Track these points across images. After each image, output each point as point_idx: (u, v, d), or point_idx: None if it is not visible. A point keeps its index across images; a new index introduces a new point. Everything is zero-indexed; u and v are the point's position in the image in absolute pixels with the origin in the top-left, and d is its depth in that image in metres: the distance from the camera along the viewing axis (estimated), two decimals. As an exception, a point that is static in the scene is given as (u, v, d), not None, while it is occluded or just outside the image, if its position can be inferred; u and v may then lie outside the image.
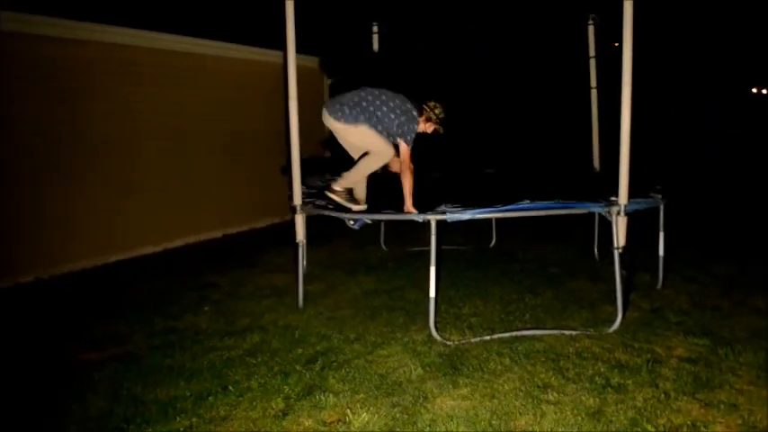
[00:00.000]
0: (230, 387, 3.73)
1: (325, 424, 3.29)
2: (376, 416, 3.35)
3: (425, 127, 4.87)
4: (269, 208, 9.45)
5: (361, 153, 4.90)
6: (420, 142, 4.82)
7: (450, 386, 3.69)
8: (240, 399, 3.59)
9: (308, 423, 3.30)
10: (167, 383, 3.80)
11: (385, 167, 5.09)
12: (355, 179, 4.81)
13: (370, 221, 5.06)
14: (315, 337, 4.56)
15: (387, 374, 3.88)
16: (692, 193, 11.24)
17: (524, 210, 4.49)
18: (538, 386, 3.66)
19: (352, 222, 5.07)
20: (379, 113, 4.68)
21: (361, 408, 3.44)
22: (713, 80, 24.24)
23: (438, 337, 4.43)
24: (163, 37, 7.74)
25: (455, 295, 5.53)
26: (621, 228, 4.51)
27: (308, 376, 3.88)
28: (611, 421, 3.25)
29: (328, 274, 6.38)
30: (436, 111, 4.83)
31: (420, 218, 4.51)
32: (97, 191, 7.08)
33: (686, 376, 3.76)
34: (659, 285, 5.54)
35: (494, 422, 3.26)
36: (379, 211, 4.89)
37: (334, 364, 4.06)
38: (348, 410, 3.41)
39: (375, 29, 7.34)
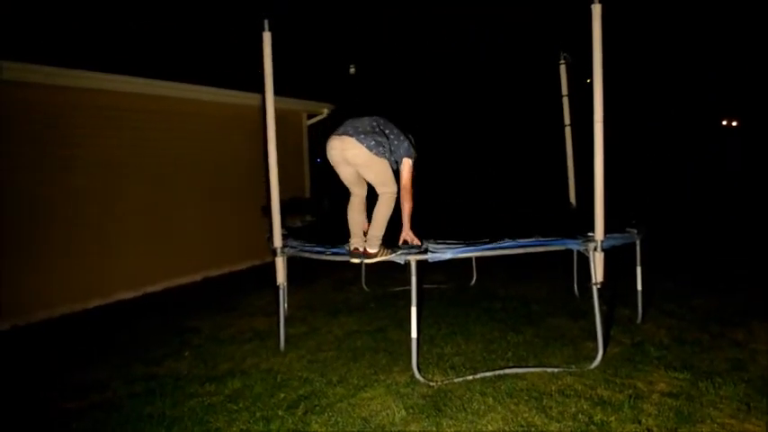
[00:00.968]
0: (211, 435, 3.68)
1: (308, 471, 3.25)
2: (360, 461, 3.31)
3: None
4: (248, 250, 9.41)
5: (359, 184, 4.78)
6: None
7: (434, 428, 3.67)
8: (221, 447, 3.53)
9: (290, 470, 3.25)
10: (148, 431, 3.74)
11: None
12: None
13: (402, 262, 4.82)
14: (297, 381, 4.52)
15: (370, 418, 3.84)
16: (670, 225, 11.44)
17: (504, 248, 4.53)
18: (521, 425, 3.65)
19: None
20: (395, 142, 4.65)
21: (345, 453, 3.41)
22: (685, 113, 24.89)
23: (421, 379, 4.41)
24: (142, 82, 7.78)
25: (437, 334, 5.52)
26: (599, 263, 4.56)
27: (290, 421, 3.83)
28: (595, 460, 3.25)
29: (310, 316, 6.35)
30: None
31: (401, 259, 4.52)
32: (76, 236, 7.04)
33: (668, 411, 3.77)
34: (639, 320, 5.58)
35: (478, 464, 3.24)
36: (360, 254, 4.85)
37: (317, 408, 4.02)
38: (331, 456, 3.37)
39: (352, 70, 7.45)
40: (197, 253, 8.73)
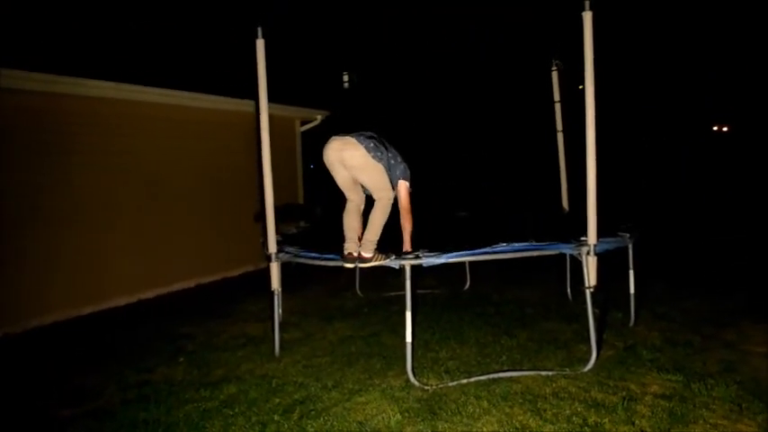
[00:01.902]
0: (207, 440, 3.68)
1: (304, 475, 3.25)
2: (355, 464, 3.32)
3: None
4: (242, 256, 9.41)
5: (355, 190, 4.83)
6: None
7: (430, 431, 3.68)
8: (217, 452, 3.54)
9: (286, 474, 3.26)
10: (142, 439, 3.74)
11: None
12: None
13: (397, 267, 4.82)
14: (292, 386, 4.52)
15: (365, 421, 3.86)
16: (663, 229, 11.52)
17: (498, 252, 4.56)
18: (516, 428, 3.68)
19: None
20: (392, 162, 4.71)
21: (341, 457, 3.42)
22: (677, 118, 25.08)
23: (416, 383, 4.42)
24: (138, 89, 7.80)
25: (431, 339, 5.54)
26: (592, 267, 4.60)
27: (285, 426, 3.84)
28: (589, 461, 3.27)
29: (304, 322, 6.35)
30: None
31: (396, 264, 4.54)
32: (70, 243, 7.02)
33: (661, 413, 3.80)
34: (632, 323, 5.62)
35: (474, 466, 3.25)
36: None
37: (312, 412, 4.03)
38: (327, 460, 3.38)
39: (345, 77, 7.49)
40: (190, 260, 8.71)
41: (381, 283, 7.38)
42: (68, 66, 6.95)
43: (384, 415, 3.93)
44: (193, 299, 7.95)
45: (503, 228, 5.84)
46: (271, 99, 5.10)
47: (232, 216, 9.29)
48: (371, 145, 4.56)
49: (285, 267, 5.39)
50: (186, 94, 8.54)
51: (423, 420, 3.83)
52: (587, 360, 4.66)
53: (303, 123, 11.26)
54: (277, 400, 4.26)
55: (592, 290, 4.64)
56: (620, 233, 5.15)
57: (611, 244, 4.92)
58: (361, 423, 3.84)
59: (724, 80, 25.48)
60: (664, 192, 19.21)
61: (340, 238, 4.83)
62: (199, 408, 4.17)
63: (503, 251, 4.54)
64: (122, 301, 7.54)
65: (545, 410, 3.91)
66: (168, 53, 10.05)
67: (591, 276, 4.61)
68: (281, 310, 6.29)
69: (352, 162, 4.57)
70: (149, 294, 7.91)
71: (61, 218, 6.94)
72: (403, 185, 4.75)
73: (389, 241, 4.71)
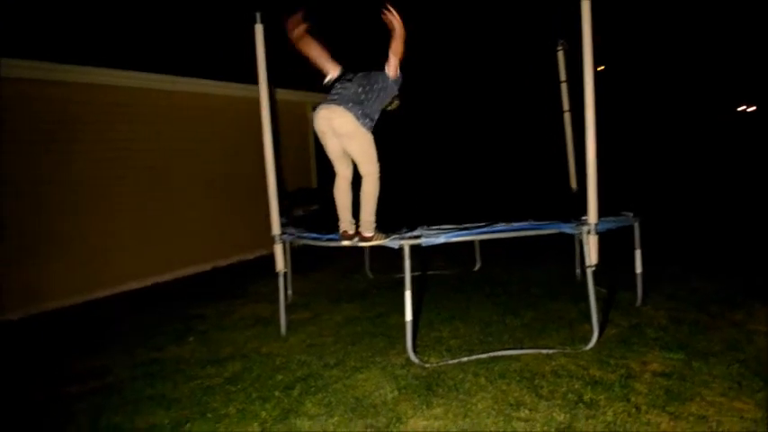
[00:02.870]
0: (208, 414, 3.78)
1: (298, 447, 3.34)
2: (349, 438, 3.39)
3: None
4: (258, 240, 9.50)
5: (344, 161, 4.83)
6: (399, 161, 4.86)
7: (425, 407, 3.73)
8: (217, 425, 3.64)
9: (282, 447, 3.34)
10: (147, 412, 3.85)
11: None
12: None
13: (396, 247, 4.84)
14: (295, 364, 4.61)
15: (363, 398, 3.92)
16: (677, 210, 11.38)
17: (497, 232, 4.58)
18: (510, 404, 3.71)
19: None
20: (384, 84, 4.71)
21: (335, 430, 3.49)
22: (702, 98, 24.61)
23: (416, 360, 4.48)
24: (151, 77, 7.94)
25: (436, 319, 5.58)
26: (593, 246, 4.58)
27: (285, 401, 3.92)
28: (580, 436, 3.30)
29: (313, 303, 6.44)
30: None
31: (395, 244, 4.58)
32: (85, 227, 7.19)
33: (658, 390, 3.81)
34: (638, 303, 5.60)
35: (465, 440, 3.30)
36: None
37: (313, 388, 4.11)
38: (322, 433, 3.45)
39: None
40: (206, 243, 8.86)
41: (392, 264, 7.41)
42: (82, 55, 7.12)
43: (382, 391, 3.99)
44: (208, 282, 8.09)
45: (507, 208, 5.82)
46: (281, 84, 5.19)
47: (248, 199, 9.39)
48: (360, 112, 4.53)
49: (298, 250, 5.44)
50: (200, 81, 8.73)
51: (419, 396, 3.88)
52: (590, 339, 4.67)
53: (314, 108, 11.27)
54: (279, 377, 4.34)
55: (593, 269, 4.63)
56: (623, 212, 5.12)
57: (613, 223, 4.89)
58: (358, 399, 3.90)
59: (752, 59, 24.89)
60: (682, 173, 18.91)
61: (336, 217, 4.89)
62: (203, 384, 4.28)
63: (502, 231, 4.56)
64: (137, 284, 7.71)
65: (541, 387, 3.94)
66: (185, 41, 10.16)
67: (592, 255, 4.59)
68: (290, 291, 6.43)
69: (342, 130, 4.55)
70: (165, 278, 8.07)
71: (76, 204, 7.11)
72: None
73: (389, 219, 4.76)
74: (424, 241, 4.51)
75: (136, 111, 7.86)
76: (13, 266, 6.43)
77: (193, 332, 5.60)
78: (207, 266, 8.80)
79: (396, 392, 3.96)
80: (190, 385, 4.27)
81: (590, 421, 3.45)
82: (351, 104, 4.56)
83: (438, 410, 3.67)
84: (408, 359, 4.52)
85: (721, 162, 20.57)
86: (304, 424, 3.58)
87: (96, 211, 7.35)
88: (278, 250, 5.27)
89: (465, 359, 4.49)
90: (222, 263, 9.06)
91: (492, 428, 3.42)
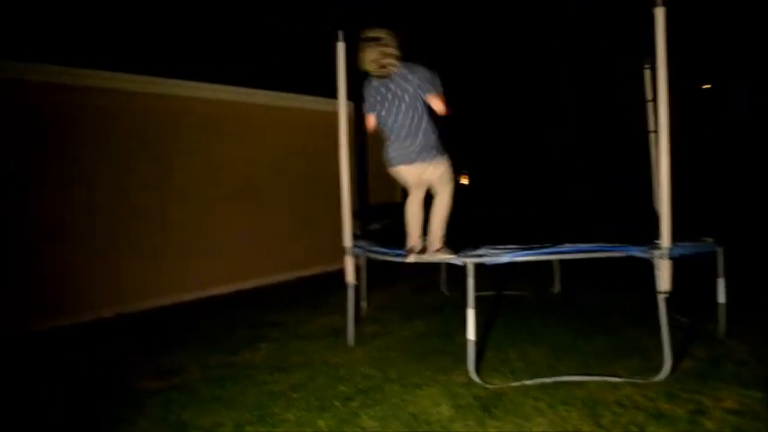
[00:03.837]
0: (268, 419, 3.94)
1: (348, 458, 3.42)
2: (399, 452, 3.43)
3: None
4: (341, 252, 9.74)
5: (421, 186, 4.89)
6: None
7: (478, 427, 3.72)
8: (275, 429, 3.79)
9: (332, 456, 3.43)
10: (212, 412, 4.07)
11: None
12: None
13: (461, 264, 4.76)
14: (359, 376, 4.70)
15: (418, 414, 3.96)
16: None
17: (563, 253, 4.49)
18: (567, 431, 3.63)
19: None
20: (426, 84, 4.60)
21: (386, 444, 3.56)
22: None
23: (477, 380, 4.46)
24: (240, 90, 8.38)
25: (505, 340, 5.51)
26: (665, 272, 4.40)
27: (343, 412, 4.02)
28: (635, 469, 3.18)
29: (385, 317, 6.52)
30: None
31: (459, 261, 4.60)
32: (175, 236, 7.66)
33: (727, 428, 3.60)
34: (721, 335, 5.30)
35: (513, 464, 3.27)
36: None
37: (371, 401, 4.18)
38: (373, 446, 3.52)
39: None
40: (290, 253, 9.18)
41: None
42: (166, 67, 7.66)
43: (438, 409, 4.01)
44: (289, 290, 8.37)
45: (581, 227, 5.69)
46: (353, 98, 5.35)
47: (333, 212, 9.62)
48: (433, 152, 4.63)
49: (376, 264, 5.55)
50: (280, 94, 9.11)
51: (474, 416, 3.87)
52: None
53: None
54: (341, 388, 4.45)
55: (666, 295, 4.44)
56: (703, 238, 4.88)
57: (690, 249, 4.67)
58: (414, 415, 3.94)
59: None
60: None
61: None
62: (269, 390, 4.46)
63: (568, 251, 4.47)
64: (221, 290, 8.11)
65: (602, 417, 3.82)
66: (265, 56, 10.64)
67: (665, 281, 4.41)
68: (364, 304, 6.56)
69: (434, 176, 4.72)
70: (248, 285, 8.44)
71: (167, 211, 7.62)
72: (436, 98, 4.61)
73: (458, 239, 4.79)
74: (488, 260, 4.50)
75: (229, 123, 8.31)
76: (107, 267, 6.94)
77: (268, 339, 5.83)
78: (290, 276, 9.10)
79: (452, 411, 3.97)
80: (256, 390, 4.46)
81: (648, 455, 3.32)
82: (423, 153, 4.64)
83: (491, 432, 3.66)
84: (471, 379, 4.51)
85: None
86: (357, 435, 3.66)
87: (187, 219, 7.80)
88: (348, 262, 5.42)
89: (528, 382, 4.43)
90: (306, 273, 9.34)
91: (542, 454, 3.36)
